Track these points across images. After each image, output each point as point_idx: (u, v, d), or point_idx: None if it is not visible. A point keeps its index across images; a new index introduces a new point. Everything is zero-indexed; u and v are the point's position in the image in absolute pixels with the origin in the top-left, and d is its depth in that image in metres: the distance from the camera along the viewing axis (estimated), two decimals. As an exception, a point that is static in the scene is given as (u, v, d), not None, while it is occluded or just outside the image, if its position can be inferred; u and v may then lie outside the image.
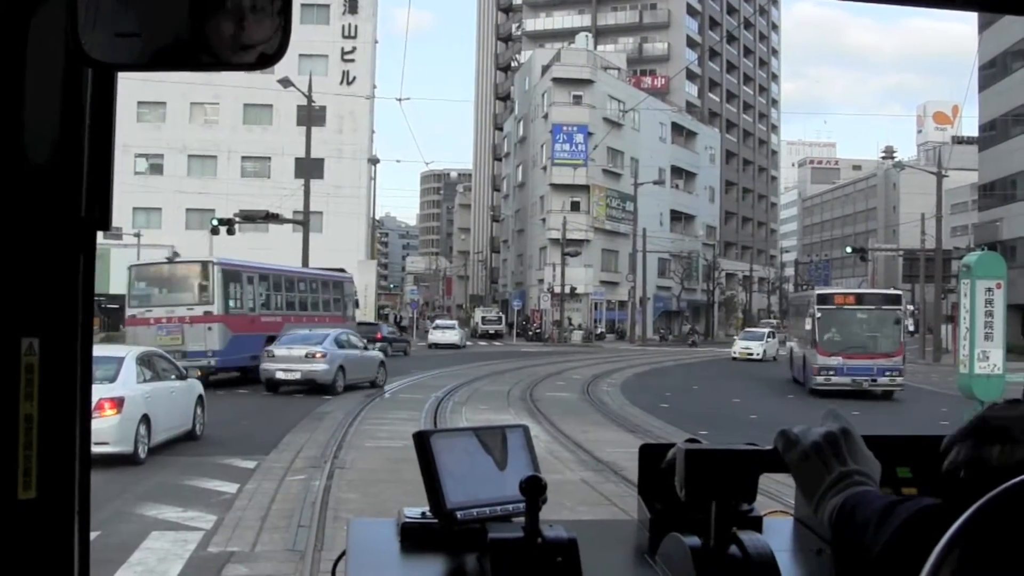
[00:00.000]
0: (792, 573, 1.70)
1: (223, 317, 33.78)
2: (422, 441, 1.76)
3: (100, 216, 1.37)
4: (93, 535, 8.81)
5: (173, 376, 20.00)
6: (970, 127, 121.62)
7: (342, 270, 48.55)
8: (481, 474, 1.79)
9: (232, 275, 35.73)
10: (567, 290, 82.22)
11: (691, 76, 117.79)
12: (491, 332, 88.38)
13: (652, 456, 1.90)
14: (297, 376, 30.42)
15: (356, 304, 49.19)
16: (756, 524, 1.85)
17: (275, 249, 72.36)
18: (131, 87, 67.62)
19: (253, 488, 15.08)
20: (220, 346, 32.90)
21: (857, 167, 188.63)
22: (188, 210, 76.91)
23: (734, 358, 62.05)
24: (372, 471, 16.58)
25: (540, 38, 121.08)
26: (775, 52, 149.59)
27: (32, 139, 1.26)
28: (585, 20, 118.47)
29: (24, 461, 1.30)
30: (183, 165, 79.30)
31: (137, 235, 68.50)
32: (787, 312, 41.99)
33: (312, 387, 30.26)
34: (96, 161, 1.36)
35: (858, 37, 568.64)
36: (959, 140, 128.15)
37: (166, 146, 77.79)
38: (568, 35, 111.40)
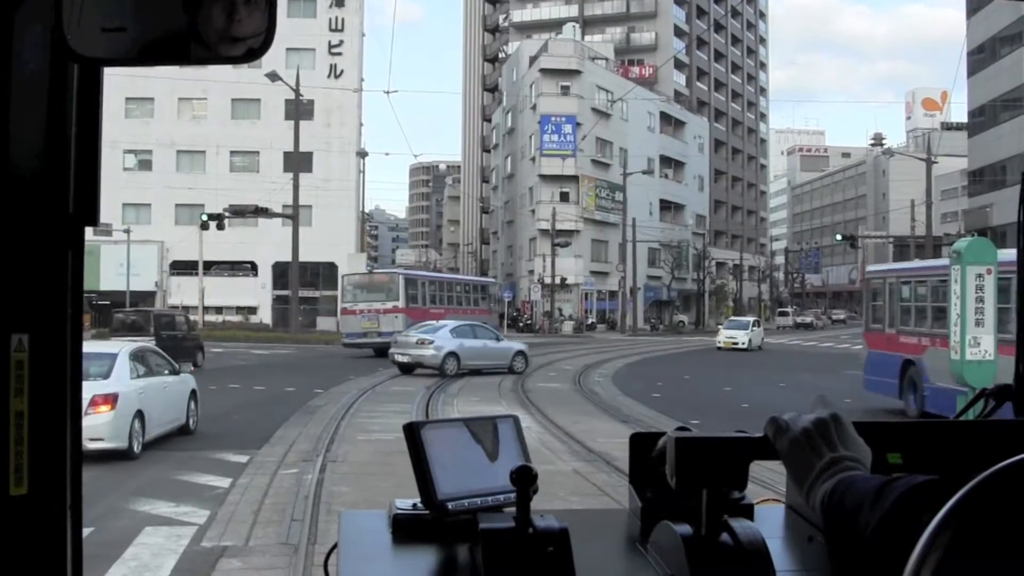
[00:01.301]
0: (783, 560, 1.70)
1: (405, 309, 48.78)
2: (412, 433, 1.76)
3: (88, 212, 1.37)
4: (87, 531, 8.81)
5: (166, 371, 20.16)
6: (959, 113, 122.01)
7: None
8: (472, 465, 1.79)
9: (410, 281, 52.55)
10: (557, 281, 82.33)
11: (679, 65, 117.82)
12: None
13: (643, 445, 1.90)
14: (408, 360, 36.07)
15: (497, 301, 69.09)
16: (747, 512, 1.85)
17: (265, 243, 72.62)
18: (119, 83, 67.55)
19: (246, 483, 15.07)
20: (403, 328, 43.75)
21: (846, 154, 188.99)
22: (177, 205, 76.86)
23: (719, 347, 61.68)
24: (364, 464, 16.59)
25: (527, 29, 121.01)
26: (763, 40, 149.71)
27: (18, 136, 1.26)
28: (572, 10, 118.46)
29: (15, 457, 1.30)
30: (172, 160, 79.20)
31: (127, 231, 68.54)
32: (879, 292, 28.16)
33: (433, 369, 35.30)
34: (83, 157, 1.36)
35: (850, 24, 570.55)
36: (948, 126, 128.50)
37: (155, 142, 77.67)
38: (555, 26, 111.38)
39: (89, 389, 16.32)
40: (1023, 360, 2.64)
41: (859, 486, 1.41)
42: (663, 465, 1.67)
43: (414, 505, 1.82)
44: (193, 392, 21.11)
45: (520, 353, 38.50)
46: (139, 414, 17.70)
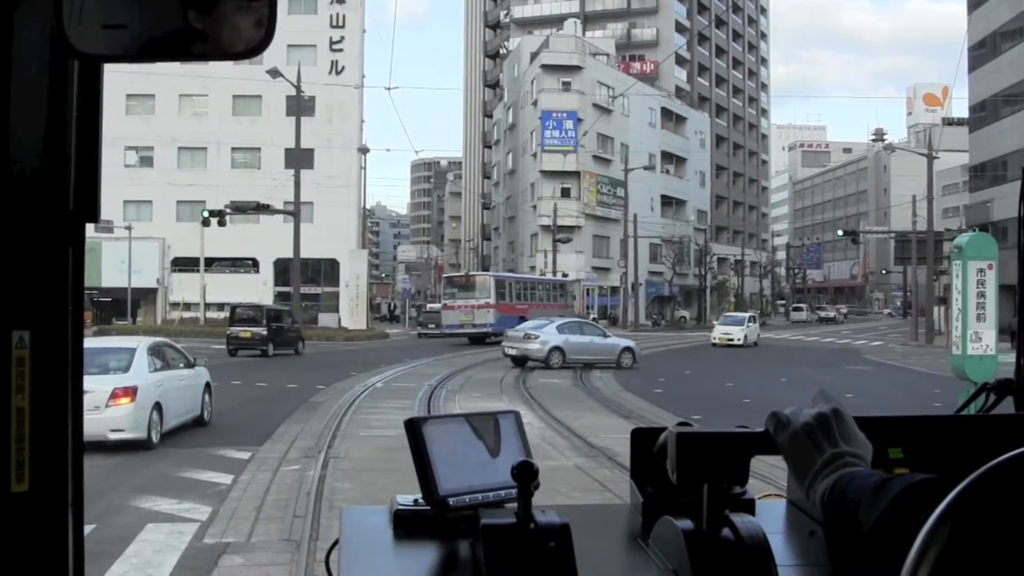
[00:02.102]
0: (785, 555, 1.70)
1: (495, 305, 58.81)
2: (413, 428, 1.75)
3: (88, 209, 1.37)
4: (89, 528, 8.81)
5: (182, 365, 21.14)
6: (960, 108, 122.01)
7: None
8: (473, 460, 1.79)
9: (500, 282, 62.84)
10: (559, 276, 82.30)
11: (680, 61, 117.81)
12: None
13: (644, 440, 1.90)
14: (516, 352, 39.76)
15: (574, 298, 75.90)
16: (749, 507, 1.85)
17: (266, 240, 72.60)
18: (120, 80, 67.47)
19: (248, 479, 15.09)
20: (494, 321, 57.00)
21: (848, 150, 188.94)
22: (179, 202, 76.77)
23: (714, 344, 60.45)
24: (366, 460, 16.59)
25: (528, 25, 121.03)
26: (764, 36, 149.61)
27: (18, 132, 1.26)
28: (573, 6, 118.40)
29: (17, 454, 1.30)
30: (173, 157, 79.08)
31: (128, 228, 68.54)
32: None
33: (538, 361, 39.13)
34: (83, 154, 1.36)
35: (853, 19, 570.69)
36: (949, 121, 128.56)
37: (156, 138, 77.55)
38: (556, 21, 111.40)
39: (110, 382, 17.66)
40: (1023, 354, 2.63)
41: (858, 483, 1.40)
42: (664, 460, 1.67)
43: (415, 501, 1.82)
44: (207, 385, 22.06)
45: (627, 350, 40.76)
46: (157, 406, 18.64)
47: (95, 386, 17.25)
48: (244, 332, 47.00)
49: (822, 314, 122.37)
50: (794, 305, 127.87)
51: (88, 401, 16.56)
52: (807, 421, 1.56)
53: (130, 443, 17.64)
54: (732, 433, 1.65)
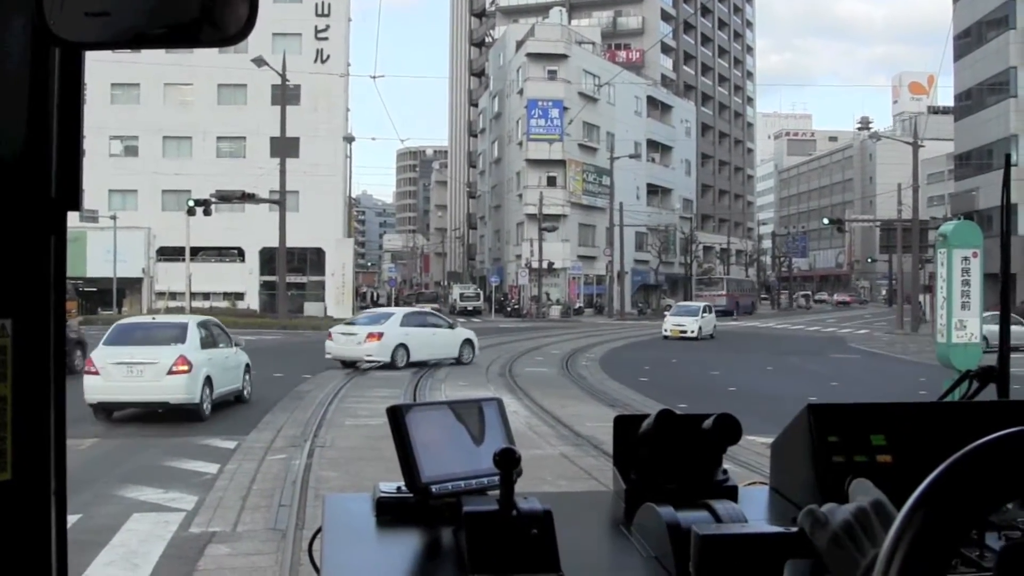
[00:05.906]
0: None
1: (727, 294, 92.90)
2: (396, 416, 1.75)
3: (70, 197, 1.37)
4: (74, 518, 8.80)
5: (443, 325, 35.16)
6: (946, 97, 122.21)
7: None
8: (456, 448, 1.79)
9: (728, 280, 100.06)
10: (545, 265, 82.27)
11: (666, 49, 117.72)
12: (469, 309, 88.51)
13: (627, 427, 1.90)
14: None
15: (753, 287, 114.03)
16: (732, 494, 1.85)
17: (252, 229, 72.45)
18: (104, 69, 67.19)
19: (234, 468, 15.07)
20: (726, 304, 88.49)
21: (833, 138, 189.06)
22: (164, 191, 76.44)
23: (666, 336, 54.90)
24: (352, 449, 16.60)
25: (514, 13, 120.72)
26: (750, 24, 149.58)
27: None
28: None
29: (-1, 443, 1.30)
30: (158, 146, 78.69)
31: (113, 217, 68.30)
32: None
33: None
34: (65, 141, 1.35)
35: (847, 7, 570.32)
36: (935, 110, 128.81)
37: (141, 128, 77.13)
38: (542, 10, 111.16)
39: (365, 331, 32.03)
40: (1006, 342, 2.65)
41: None
42: (646, 447, 1.66)
43: (398, 488, 1.82)
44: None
45: None
46: (402, 346, 32.07)
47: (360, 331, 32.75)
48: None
49: (838, 299, 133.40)
50: (802, 292, 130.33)
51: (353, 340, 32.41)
52: (846, 519, 1.42)
53: (382, 365, 31.17)
54: (764, 535, 1.54)
